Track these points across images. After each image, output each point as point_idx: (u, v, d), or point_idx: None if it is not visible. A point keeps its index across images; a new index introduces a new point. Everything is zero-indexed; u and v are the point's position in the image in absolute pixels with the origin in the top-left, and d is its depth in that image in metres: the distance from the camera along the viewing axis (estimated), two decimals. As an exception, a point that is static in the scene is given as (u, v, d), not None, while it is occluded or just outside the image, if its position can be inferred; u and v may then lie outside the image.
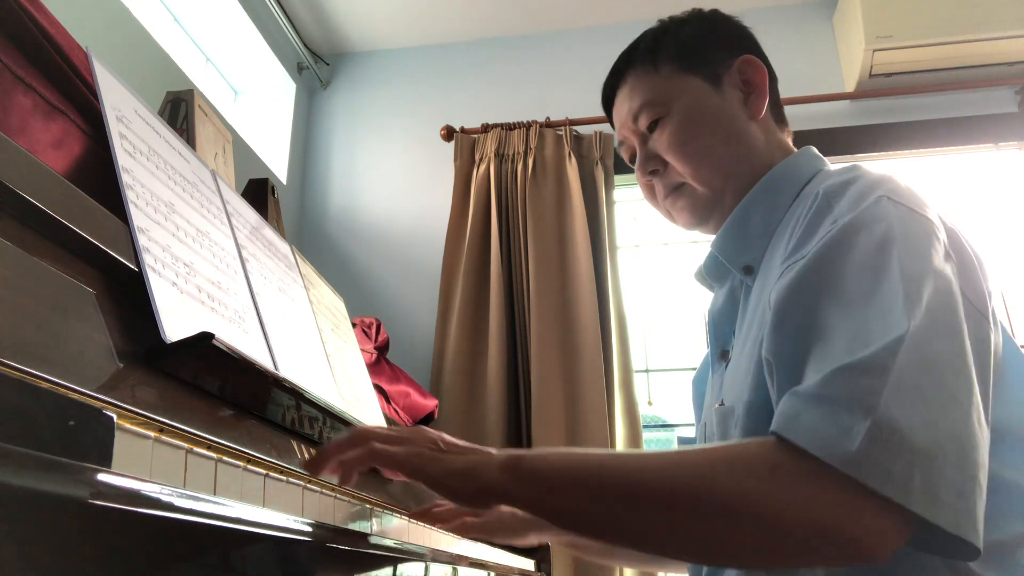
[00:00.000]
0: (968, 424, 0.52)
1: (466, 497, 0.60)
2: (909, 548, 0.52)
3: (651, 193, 0.87)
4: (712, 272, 0.83)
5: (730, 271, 0.79)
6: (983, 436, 0.53)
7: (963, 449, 0.50)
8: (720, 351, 0.80)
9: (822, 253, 0.60)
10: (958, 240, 0.63)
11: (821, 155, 0.81)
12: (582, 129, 2.26)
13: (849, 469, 0.49)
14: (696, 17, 0.86)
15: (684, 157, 0.80)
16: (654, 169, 0.84)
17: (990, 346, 0.59)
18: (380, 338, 1.66)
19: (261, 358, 0.64)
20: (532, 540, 0.99)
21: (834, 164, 0.78)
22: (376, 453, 0.60)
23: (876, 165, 2.44)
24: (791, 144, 0.85)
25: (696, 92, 0.81)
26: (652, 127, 0.83)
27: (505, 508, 0.92)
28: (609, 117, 0.91)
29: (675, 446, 2.56)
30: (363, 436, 0.61)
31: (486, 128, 2.27)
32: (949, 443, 0.50)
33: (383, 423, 0.99)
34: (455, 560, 0.83)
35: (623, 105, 0.86)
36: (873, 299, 0.55)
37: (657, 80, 0.83)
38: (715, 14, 0.87)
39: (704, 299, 0.88)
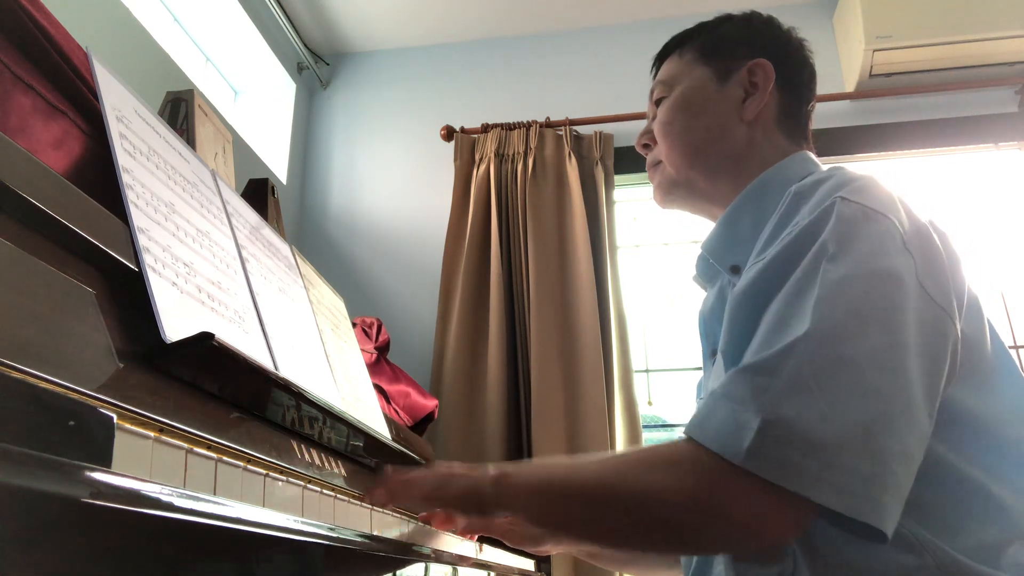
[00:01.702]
0: (886, 415, 0.54)
1: (473, 511, 0.71)
2: (829, 526, 0.56)
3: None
4: (703, 272, 0.86)
5: (720, 271, 0.80)
6: (912, 425, 0.55)
7: (873, 439, 0.53)
8: (711, 350, 0.81)
9: (772, 261, 0.64)
10: (927, 236, 0.63)
11: (815, 159, 0.82)
12: (582, 129, 2.26)
13: (744, 463, 0.53)
14: (740, 17, 0.89)
15: (662, 136, 0.86)
16: (645, 143, 0.90)
17: (947, 341, 0.60)
18: (381, 338, 1.66)
19: (261, 358, 0.64)
20: (548, 549, 0.99)
21: (833, 165, 0.78)
22: (397, 494, 0.72)
23: (876, 165, 2.42)
24: (795, 151, 0.85)
25: (697, 80, 0.85)
26: (659, 105, 0.89)
27: None
28: None
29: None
30: (386, 478, 0.73)
31: (486, 128, 2.27)
32: (854, 434, 0.53)
33: (383, 423, 0.99)
34: (456, 560, 0.83)
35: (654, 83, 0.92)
36: (793, 306, 0.59)
37: (677, 65, 0.88)
38: (765, 20, 0.89)
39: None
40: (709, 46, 0.86)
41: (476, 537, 1.02)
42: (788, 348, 0.56)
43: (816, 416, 0.53)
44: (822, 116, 2.18)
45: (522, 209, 2.12)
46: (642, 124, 0.93)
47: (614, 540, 0.65)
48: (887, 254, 0.59)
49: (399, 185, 2.39)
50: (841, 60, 2.25)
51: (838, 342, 0.55)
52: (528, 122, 2.24)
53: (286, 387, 0.61)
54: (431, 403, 1.70)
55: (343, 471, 0.75)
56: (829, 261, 0.59)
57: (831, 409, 0.53)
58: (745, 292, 0.65)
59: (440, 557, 0.77)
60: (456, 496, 0.70)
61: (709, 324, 0.82)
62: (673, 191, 0.88)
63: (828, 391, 0.53)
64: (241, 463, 0.53)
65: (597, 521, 0.62)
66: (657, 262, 2.30)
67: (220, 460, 0.49)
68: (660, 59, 0.92)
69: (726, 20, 0.89)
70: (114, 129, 0.58)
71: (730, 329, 0.66)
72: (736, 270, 0.77)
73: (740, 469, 0.53)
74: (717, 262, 0.80)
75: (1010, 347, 1.97)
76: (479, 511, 0.70)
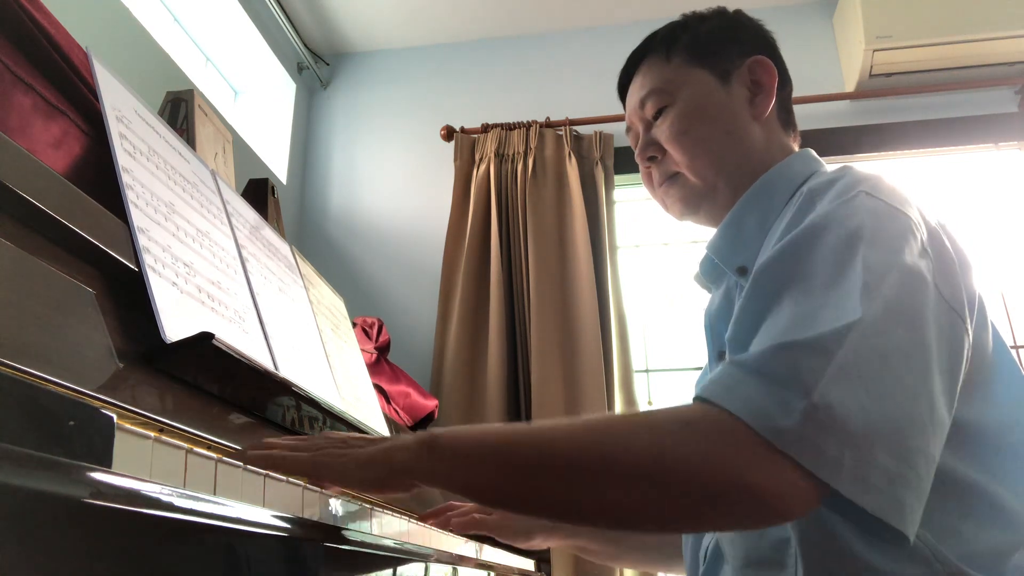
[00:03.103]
0: (913, 414, 0.53)
1: (376, 483, 0.59)
2: (840, 517, 0.53)
3: (649, 180, 0.89)
4: (708, 273, 0.84)
5: (725, 272, 0.80)
6: (934, 427, 0.54)
7: (901, 437, 0.51)
8: (717, 352, 0.80)
9: (792, 242, 0.61)
10: (940, 239, 0.63)
11: (818, 157, 0.81)
12: (582, 129, 2.26)
13: (781, 443, 0.49)
14: (717, 14, 0.88)
15: (681, 147, 0.82)
16: (652, 156, 0.86)
17: (962, 345, 0.60)
18: (381, 338, 1.66)
19: (261, 358, 0.64)
20: (538, 544, 0.98)
21: (833, 164, 0.78)
22: (278, 461, 0.56)
23: (876, 165, 2.43)
24: (794, 147, 0.85)
25: (702, 85, 0.83)
26: (657, 115, 0.85)
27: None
28: (623, 102, 0.93)
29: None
30: (268, 445, 0.58)
31: (486, 128, 2.27)
32: (886, 430, 0.51)
33: (383, 423, 0.99)
34: (455, 560, 0.83)
35: (634, 92, 0.88)
36: (831, 288, 0.56)
37: (667, 70, 0.85)
38: (736, 14, 0.88)
39: (705, 299, 0.89)
40: (699, 48, 0.84)
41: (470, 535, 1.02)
42: (843, 331, 0.53)
43: (858, 407, 0.51)
44: (822, 116, 2.19)
45: (522, 209, 2.12)
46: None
47: (605, 515, 0.56)
48: (912, 252, 0.59)
49: (399, 185, 2.39)
50: (841, 60, 2.25)
51: (883, 334, 0.54)
52: (528, 122, 2.24)
53: (286, 387, 0.61)
54: (431, 403, 1.70)
55: (343, 471, 0.75)
56: (867, 248, 0.57)
57: (870, 402, 0.51)
58: (760, 275, 0.61)
59: (440, 557, 0.77)
60: (354, 467, 0.57)
61: (715, 325, 0.81)
62: (699, 202, 0.84)
63: (870, 383, 0.52)
64: (241, 463, 0.53)
65: (585, 493, 0.53)
66: (657, 262, 2.30)
67: (220, 460, 0.49)
68: (633, 67, 0.89)
69: (701, 19, 0.87)
70: (114, 129, 0.58)
71: (742, 311, 0.62)
72: (743, 271, 0.76)
73: (770, 445, 0.50)
74: (723, 263, 0.79)
75: (1010, 347, 1.97)
76: (392, 483, 0.58)
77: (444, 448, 0.57)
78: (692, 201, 0.84)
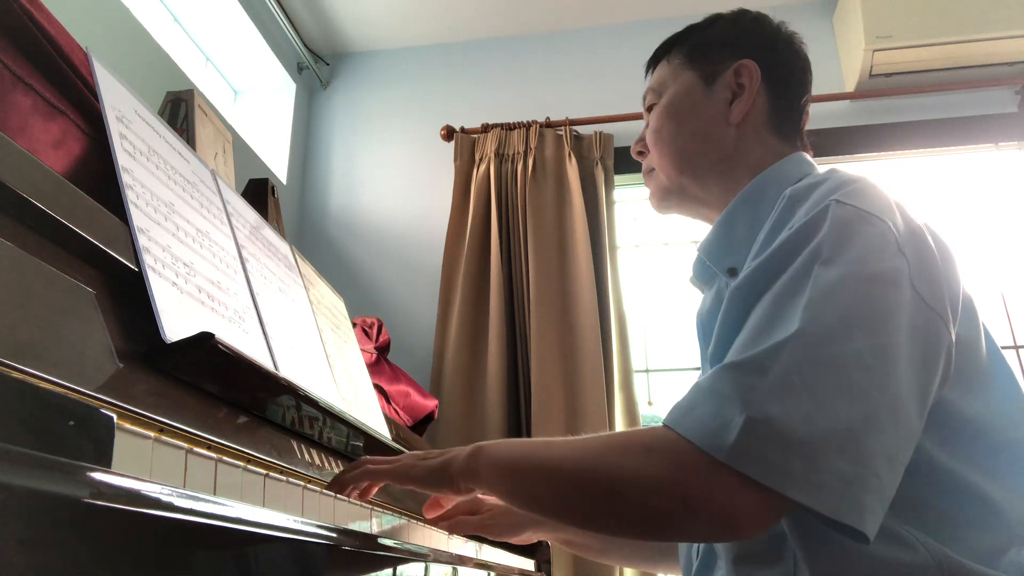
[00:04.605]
0: (870, 417, 0.53)
1: (445, 486, 0.70)
2: (820, 523, 0.55)
3: None
4: (700, 275, 0.85)
5: (717, 274, 0.80)
6: (897, 427, 0.55)
7: (856, 440, 0.53)
8: (709, 352, 0.81)
9: (765, 262, 0.64)
10: (922, 240, 0.63)
11: (811, 160, 0.81)
12: (582, 129, 2.26)
13: (727, 459, 0.53)
14: (728, 17, 0.88)
15: (652, 144, 0.87)
16: (640, 151, 0.91)
17: (940, 343, 0.60)
18: (381, 338, 1.66)
19: (261, 358, 0.64)
20: (529, 537, 0.99)
21: (833, 165, 0.78)
22: (369, 471, 0.71)
23: (876, 165, 2.41)
24: (789, 151, 0.84)
25: (684, 86, 0.85)
26: (651, 112, 0.89)
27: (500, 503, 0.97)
28: None
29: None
30: (361, 462, 0.73)
31: (486, 128, 2.27)
32: (838, 435, 0.52)
33: (383, 423, 0.99)
34: (455, 560, 0.83)
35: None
36: (782, 306, 0.59)
37: (666, 70, 0.88)
38: (753, 17, 0.88)
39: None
40: (695, 50, 0.86)
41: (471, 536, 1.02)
42: (777, 347, 0.55)
43: (801, 416, 0.52)
44: (822, 116, 2.19)
45: (522, 209, 2.12)
46: (642, 124, 0.92)
47: (586, 521, 0.65)
48: (880, 257, 0.59)
49: (399, 185, 2.39)
50: (841, 60, 2.25)
51: (827, 343, 0.55)
52: (528, 122, 2.24)
53: (286, 387, 0.61)
54: (431, 403, 1.70)
55: (343, 471, 0.75)
56: (822, 265, 0.58)
57: (816, 410, 0.53)
58: (736, 291, 0.65)
59: (440, 557, 0.77)
60: (428, 472, 0.70)
61: (706, 326, 0.82)
62: (667, 198, 0.88)
63: (815, 392, 0.53)
64: (241, 463, 0.53)
65: (570, 501, 0.62)
66: (657, 262, 2.30)
67: (220, 460, 0.49)
68: (653, 64, 0.92)
69: (715, 21, 0.88)
70: (114, 129, 0.58)
71: (720, 324, 0.66)
72: (733, 272, 0.77)
73: (719, 464, 0.53)
74: (714, 264, 0.80)
75: (1010, 347, 1.97)
76: (451, 484, 0.69)
77: (485, 456, 0.68)
78: (660, 196, 0.89)
